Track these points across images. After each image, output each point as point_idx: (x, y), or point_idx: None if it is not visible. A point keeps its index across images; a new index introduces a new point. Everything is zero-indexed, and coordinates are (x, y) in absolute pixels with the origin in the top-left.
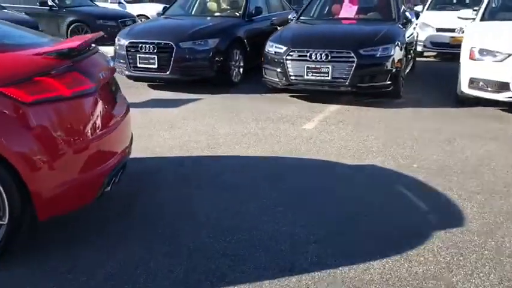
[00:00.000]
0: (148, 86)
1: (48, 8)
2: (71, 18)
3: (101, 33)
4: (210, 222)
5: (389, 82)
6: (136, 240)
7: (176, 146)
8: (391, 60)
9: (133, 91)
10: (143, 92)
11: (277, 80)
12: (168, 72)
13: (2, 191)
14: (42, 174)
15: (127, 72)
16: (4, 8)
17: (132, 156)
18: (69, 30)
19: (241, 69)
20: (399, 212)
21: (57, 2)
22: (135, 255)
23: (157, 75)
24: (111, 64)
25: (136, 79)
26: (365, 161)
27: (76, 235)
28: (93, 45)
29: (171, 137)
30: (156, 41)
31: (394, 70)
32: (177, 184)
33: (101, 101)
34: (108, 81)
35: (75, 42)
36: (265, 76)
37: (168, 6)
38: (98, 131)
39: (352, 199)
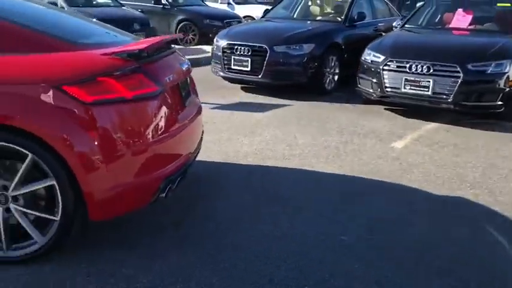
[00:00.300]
0: (241, 88)
1: (161, 6)
2: (180, 17)
3: (181, 35)
4: (264, 240)
5: (500, 102)
6: (188, 247)
7: (251, 152)
8: (505, 78)
9: (224, 92)
10: (235, 93)
11: (372, 90)
12: (260, 76)
13: (57, 187)
14: (97, 175)
15: (221, 73)
16: (123, 5)
17: (204, 159)
18: (177, 28)
19: (335, 77)
20: (484, 260)
21: (170, 1)
22: (181, 265)
23: (249, 78)
24: (185, 67)
25: (231, 81)
26: (455, 191)
27: (129, 236)
28: (172, 45)
29: (249, 143)
30: (250, 44)
31: (507, 89)
32: (240, 193)
33: (164, 105)
34: (178, 83)
35: (145, 43)
36: (359, 86)
37: (269, 8)
38: (157, 135)
39: (429, 237)
